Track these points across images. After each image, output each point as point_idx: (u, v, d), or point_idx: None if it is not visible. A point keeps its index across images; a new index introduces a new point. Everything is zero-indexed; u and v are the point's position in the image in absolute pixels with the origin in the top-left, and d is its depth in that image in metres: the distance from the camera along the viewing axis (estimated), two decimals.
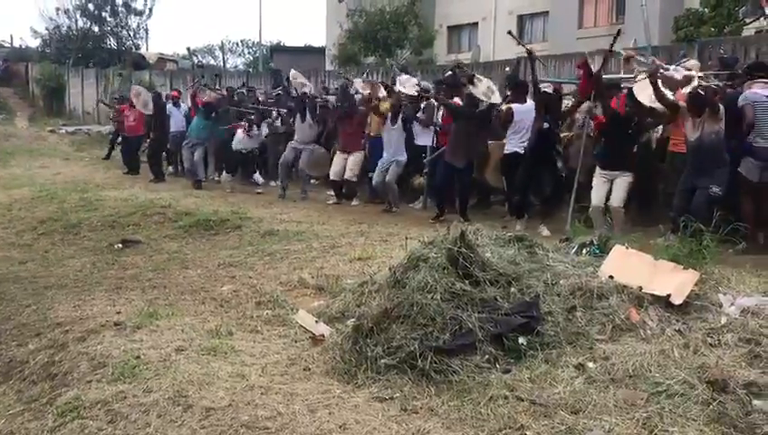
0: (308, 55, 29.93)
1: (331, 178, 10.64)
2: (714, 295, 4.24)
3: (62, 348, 4.54)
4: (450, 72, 12.38)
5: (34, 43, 36.30)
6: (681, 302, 4.11)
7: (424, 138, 9.93)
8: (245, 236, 8.28)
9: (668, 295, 4.13)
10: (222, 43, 43.29)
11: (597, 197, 7.30)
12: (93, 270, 7.08)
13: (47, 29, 35.22)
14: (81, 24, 34.70)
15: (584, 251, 5.06)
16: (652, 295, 4.16)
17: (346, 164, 10.34)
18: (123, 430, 3.26)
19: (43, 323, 5.18)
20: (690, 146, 6.64)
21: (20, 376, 4.38)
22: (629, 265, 4.45)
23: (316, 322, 4.70)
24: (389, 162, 9.70)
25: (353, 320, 4.36)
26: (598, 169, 7.40)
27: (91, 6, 34.35)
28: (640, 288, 4.21)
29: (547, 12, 23.75)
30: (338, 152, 10.51)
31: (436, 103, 9.85)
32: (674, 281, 4.24)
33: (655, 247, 5.54)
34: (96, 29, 34.89)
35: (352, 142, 10.48)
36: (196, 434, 3.13)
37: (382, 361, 3.79)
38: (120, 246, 8.30)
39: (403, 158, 9.72)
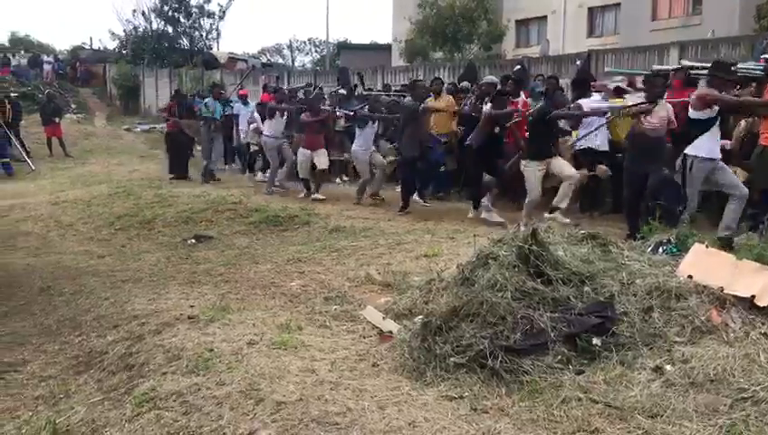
0: (374, 52, 30.02)
1: None
2: None
3: (138, 340, 4.67)
4: (519, 67, 12.24)
5: (112, 44, 37.72)
6: (767, 304, 3.91)
7: None
8: (313, 232, 8.39)
9: (752, 297, 3.92)
10: (290, 41, 43.99)
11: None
12: (168, 264, 7.29)
13: (124, 31, 36.52)
14: (155, 25, 35.81)
15: (661, 250, 4.88)
16: (735, 296, 3.96)
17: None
18: (197, 421, 3.32)
19: (121, 316, 5.35)
20: None
21: (99, 366, 4.52)
22: (710, 265, 4.26)
23: (384, 318, 4.70)
24: None
25: (421, 317, 4.32)
26: None
27: (165, 8, 35.35)
28: (722, 289, 4.02)
29: (619, 4, 23.10)
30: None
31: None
32: (758, 281, 4.03)
33: (736, 246, 5.32)
34: (170, 30, 35.89)
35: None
36: (267, 428, 3.16)
37: (451, 359, 3.74)
38: (193, 241, 8.53)
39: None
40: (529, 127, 8.19)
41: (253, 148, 13.15)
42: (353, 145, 10.69)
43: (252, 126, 12.54)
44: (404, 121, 9.63)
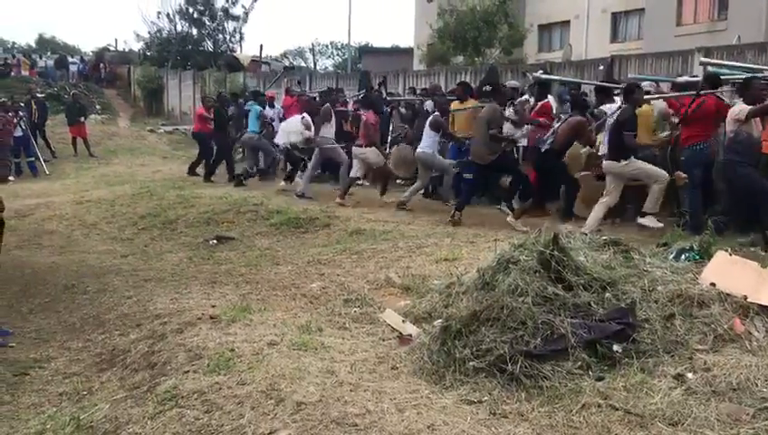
0: (396, 56, 30.09)
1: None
2: None
3: (160, 339, 4.73)
4: (541, 72, 12.20)
5: (137, 46, 38.11)
6: None
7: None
8: (333, 234, 8.41)
9: None
10: (312, 45, 44.23)
11: None
12: (190, 264, 7.36)
13: (149, 32, 36.88)
14: (180, 27, 36.12)
15: (683, 257, 4.84)
16: (758, 305, 3.93)
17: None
18: (218, 420, 3.35)
19: (144, 315, 5.42)
20: None
21: (122, 364, 4.59)
22: (733, 273, 4.22)
23: (403, 321, 4.71)
24: None
25: (441, 321, 4.33)
26: None
27: (191, 10, 35.61)
28: (745, 297, 3.98)
29: (643, 9, 22.93)
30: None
31: (531, 102, 9.72)
32: None
33: (757, 254, 5.27)
34: (194, 32, 36.17)
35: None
36: (287, 428, 3.19)
37: (471, 363, 3.75)
38: (215, 241, 8.60)
39: None
40: (618, 129, 7.72)
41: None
42: (421, 146, 10.06)
43: (305, 134, 12.06)
44: (490, 123, 8.86)
